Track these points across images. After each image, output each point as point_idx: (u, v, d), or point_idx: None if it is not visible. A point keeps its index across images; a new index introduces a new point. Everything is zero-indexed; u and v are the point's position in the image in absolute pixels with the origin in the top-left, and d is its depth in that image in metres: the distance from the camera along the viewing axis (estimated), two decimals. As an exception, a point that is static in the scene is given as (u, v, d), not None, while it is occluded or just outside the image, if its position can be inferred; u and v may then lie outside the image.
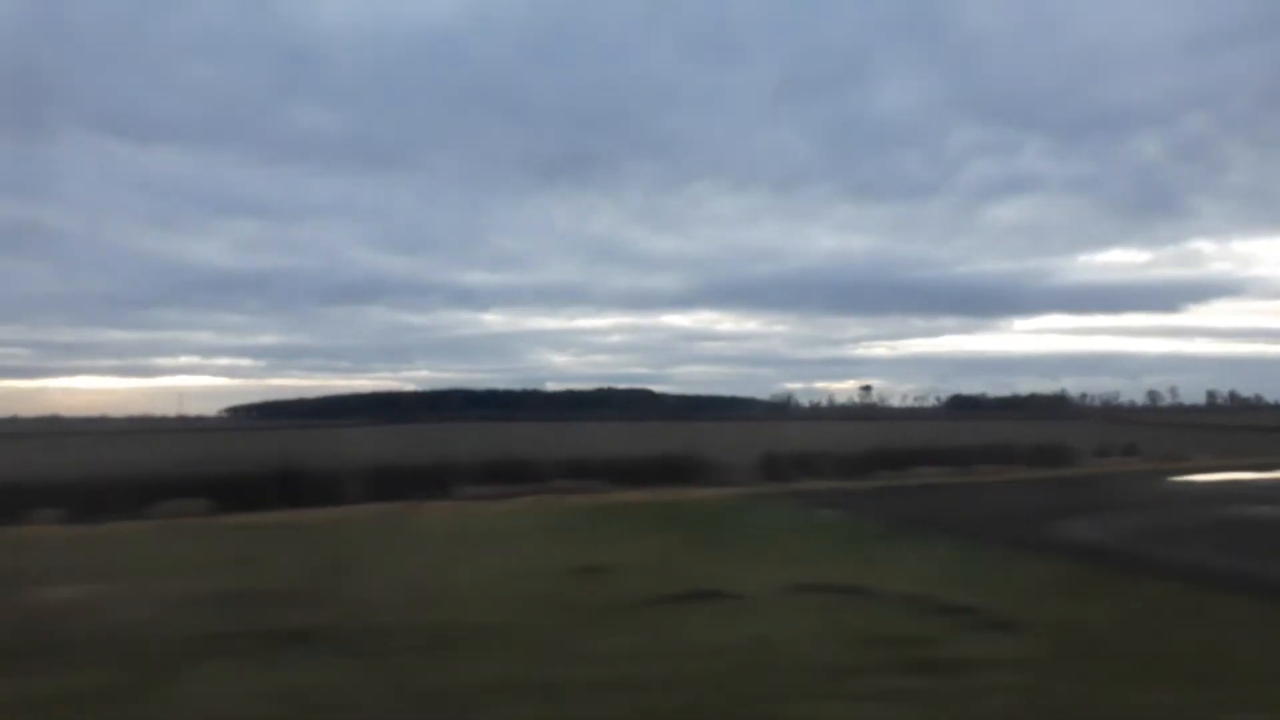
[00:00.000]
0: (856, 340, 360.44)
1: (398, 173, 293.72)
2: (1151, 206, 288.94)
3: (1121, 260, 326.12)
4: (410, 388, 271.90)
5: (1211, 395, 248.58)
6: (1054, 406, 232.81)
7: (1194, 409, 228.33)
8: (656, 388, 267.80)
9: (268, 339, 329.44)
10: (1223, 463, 43.70)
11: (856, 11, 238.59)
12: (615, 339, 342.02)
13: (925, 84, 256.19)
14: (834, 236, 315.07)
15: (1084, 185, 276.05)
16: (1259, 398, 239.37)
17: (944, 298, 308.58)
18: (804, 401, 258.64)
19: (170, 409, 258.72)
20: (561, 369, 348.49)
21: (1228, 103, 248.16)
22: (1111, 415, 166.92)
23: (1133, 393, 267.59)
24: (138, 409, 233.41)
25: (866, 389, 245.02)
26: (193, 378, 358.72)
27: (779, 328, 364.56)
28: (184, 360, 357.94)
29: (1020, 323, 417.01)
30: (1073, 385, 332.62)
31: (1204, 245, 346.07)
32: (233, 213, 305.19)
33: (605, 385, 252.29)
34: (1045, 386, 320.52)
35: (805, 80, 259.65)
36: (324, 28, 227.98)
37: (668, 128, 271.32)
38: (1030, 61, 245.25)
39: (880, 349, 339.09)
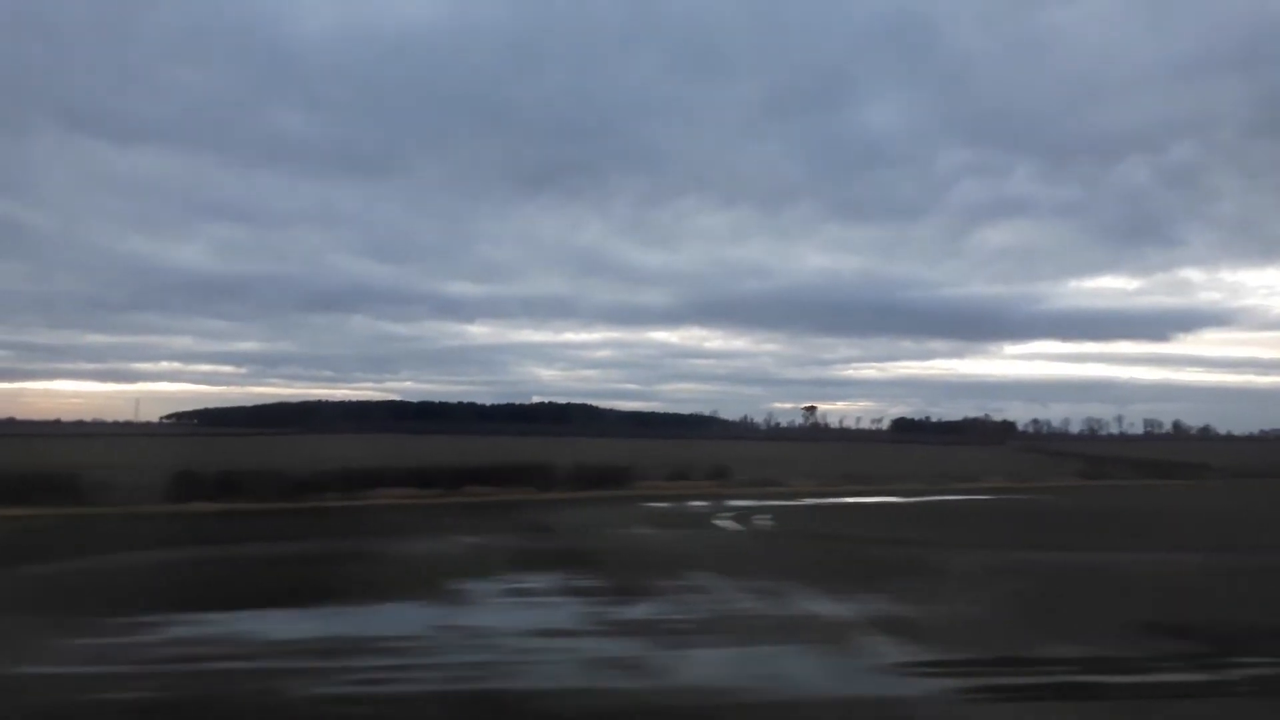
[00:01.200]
0: (846, 361, 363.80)
1: (380, 180, 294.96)
2: (1141, 234, 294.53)
3: (1112, 287, 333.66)
4: (380, 398, 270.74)
5: (1178, 425, 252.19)
6: (1000, 432, 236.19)
7: (1121, 437, 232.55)
8: (644, 405, 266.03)
9: (249, 345, 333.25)
10: (799, 488, 48.28)
11: (843, 31, 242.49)
12: (603, 354, 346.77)
13: (913, 105, 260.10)
14: (823, 255, 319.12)
15: (1073, 210, 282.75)
16: (1208, 429, 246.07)
17: (934, 320, 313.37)
18: (760, 422, 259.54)
19: (137, 415, 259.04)
20: (549, 383, 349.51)
21: (1215, 132, 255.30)
22: (1031, 443, 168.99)
23: (1122, 420, 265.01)
24: (119, 414, 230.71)
25: (811, 410, 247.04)
26: (173, 385, 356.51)
27: (768, 346, 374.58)
28: (164, 366, 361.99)
29: (1010, 348, 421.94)
30: (1062, 412, 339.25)
31: (1193, 274, 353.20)
32: (213, 216, 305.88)
33: (594, 401, 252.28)
34: (1035, 412, 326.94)
35: (791, 98, 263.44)
36: (304, 33, 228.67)
37: (653, 141, 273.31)
38: (1019, 85, 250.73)
39: (870, 370, 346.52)
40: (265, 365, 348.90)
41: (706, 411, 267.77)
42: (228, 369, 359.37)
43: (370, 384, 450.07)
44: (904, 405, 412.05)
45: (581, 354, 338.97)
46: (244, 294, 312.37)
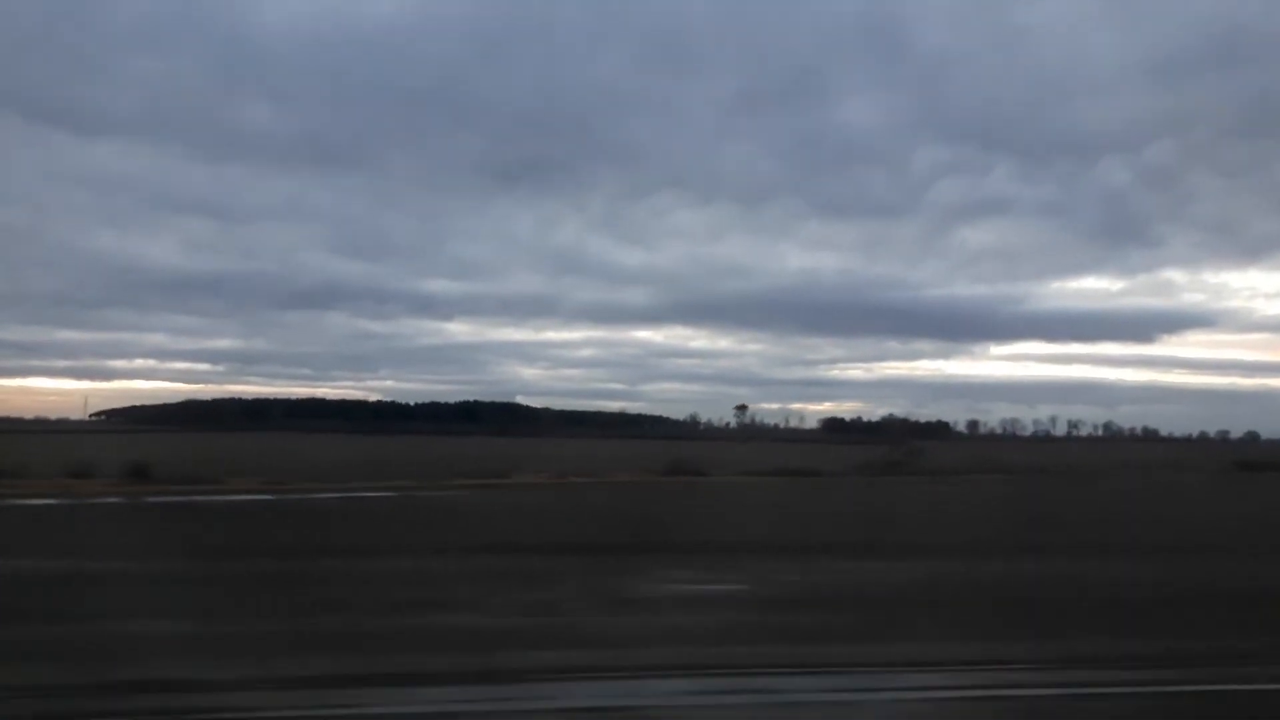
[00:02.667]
0: (832, 361, 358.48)
1: (348, 174, 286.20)
2: (1122, 234, 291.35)
3: (1095, 288, 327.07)
4: (326, 395, 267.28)
5: (1108, 427, 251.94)
6: (931, 432, 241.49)
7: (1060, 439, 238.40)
8: (630, 405, 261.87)
9: (224, 343, 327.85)
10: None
11: (815, 27, 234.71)
12: (586, 353, 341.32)
13: (888, 102, 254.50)
14: (803, 254, 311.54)
15: (1053, 210, 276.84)
16: (1152, 430, 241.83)
17: (919, 320, 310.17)
18: (713, 420, 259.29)
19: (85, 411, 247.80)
20: (532, 382, 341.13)
21: (1193, 132, 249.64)
22: (947, 444, 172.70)
23: (1108, 425, 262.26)
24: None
25: (742, 408, 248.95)
26: (148, 382, 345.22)
27: (752, 346, 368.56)
28: (139, 364, 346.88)
29: (996, 348, 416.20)
30: (1049, 413, 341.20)
31: (1176, 275, 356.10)
32: (181, 211, 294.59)
33: (578, 400, 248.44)
34: (1021, 413, 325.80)
35: (764, 93, 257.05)
36: (266, 23, 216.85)
37: (626, 136, 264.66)
38: (994, 83, 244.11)
39: (856, 371, 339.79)
40: (243, 363, 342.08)
41: (685, 414, 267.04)
42: (204, 367, 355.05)
43: (351, 382, 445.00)
44: (892, 406, 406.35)
45: (563, 353, 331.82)
46: (217, 291, 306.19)
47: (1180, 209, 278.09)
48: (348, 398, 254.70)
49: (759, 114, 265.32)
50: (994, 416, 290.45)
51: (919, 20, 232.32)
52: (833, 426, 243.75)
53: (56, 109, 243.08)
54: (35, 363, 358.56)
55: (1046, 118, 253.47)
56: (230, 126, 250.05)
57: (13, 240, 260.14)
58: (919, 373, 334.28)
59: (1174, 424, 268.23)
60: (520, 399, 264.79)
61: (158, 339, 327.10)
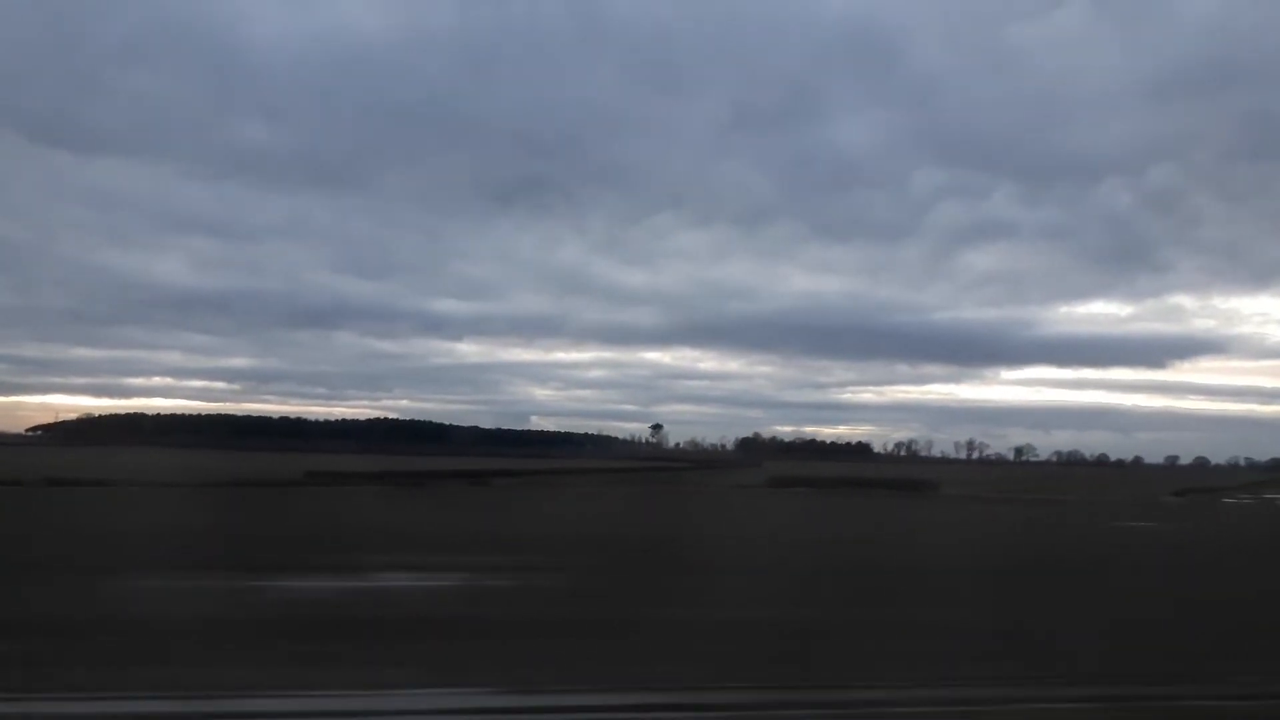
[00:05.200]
0: (843, 385, 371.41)
1: (346, 193, 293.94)
2: (1128, 259, 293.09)
3: (1104, 313, 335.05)
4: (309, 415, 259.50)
5: (1061, 454, 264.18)
6: (853, 452, 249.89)
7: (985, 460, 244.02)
8: (640, 426, 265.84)
9: (238, 362, 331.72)
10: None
11: (808, 46, 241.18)
12: (596, 374, 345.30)
13: (884, 122, 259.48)
14: (807, 277, 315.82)
15: (1057, 234, 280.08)
16: (1103, 456, 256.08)
17: (927, 344, 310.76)
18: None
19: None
20: (544, 403, 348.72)
21: (1194, 155, 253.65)
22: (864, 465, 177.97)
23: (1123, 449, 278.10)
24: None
25: (657, 428, 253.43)
26: (167, 400, 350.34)
27: (762, 369, 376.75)
28: (157, 381, 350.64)
29: (1007, 373, 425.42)
30: (1065, 439, 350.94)
31: (1185, 301, 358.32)
32: (185, 229, 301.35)
33: (584, 420, 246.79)
34: (1036, 439, 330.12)
35: (759, 114, 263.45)
36: (256, 39, 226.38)
37: (620, 156, 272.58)
38: (991, 105, 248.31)
39: (868, 394, 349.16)
40: (258, 381, 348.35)
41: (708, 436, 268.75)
42: (220, 385, 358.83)
43: (366, 402, 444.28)
44: (905, 430, 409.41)
45: (574, 374, 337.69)
46: (227, 309, 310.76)
47: (1185, 233, 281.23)
48: (360, 416, 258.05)
49: (755, 134, 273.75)
50: (1006, 443, 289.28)
51: (913, 40, 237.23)
52: (747, 447, 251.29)
53: (56, 128, 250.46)
54: (54, 379, 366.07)
55: (1045, 139, 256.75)
56: (226, 145, 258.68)
57: (22, 257, 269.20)
58: (930, 397, 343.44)
59: (1192, 450, 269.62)
60: (535, 419, 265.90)
61: (174, 357, 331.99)
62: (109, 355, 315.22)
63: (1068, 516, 57.62)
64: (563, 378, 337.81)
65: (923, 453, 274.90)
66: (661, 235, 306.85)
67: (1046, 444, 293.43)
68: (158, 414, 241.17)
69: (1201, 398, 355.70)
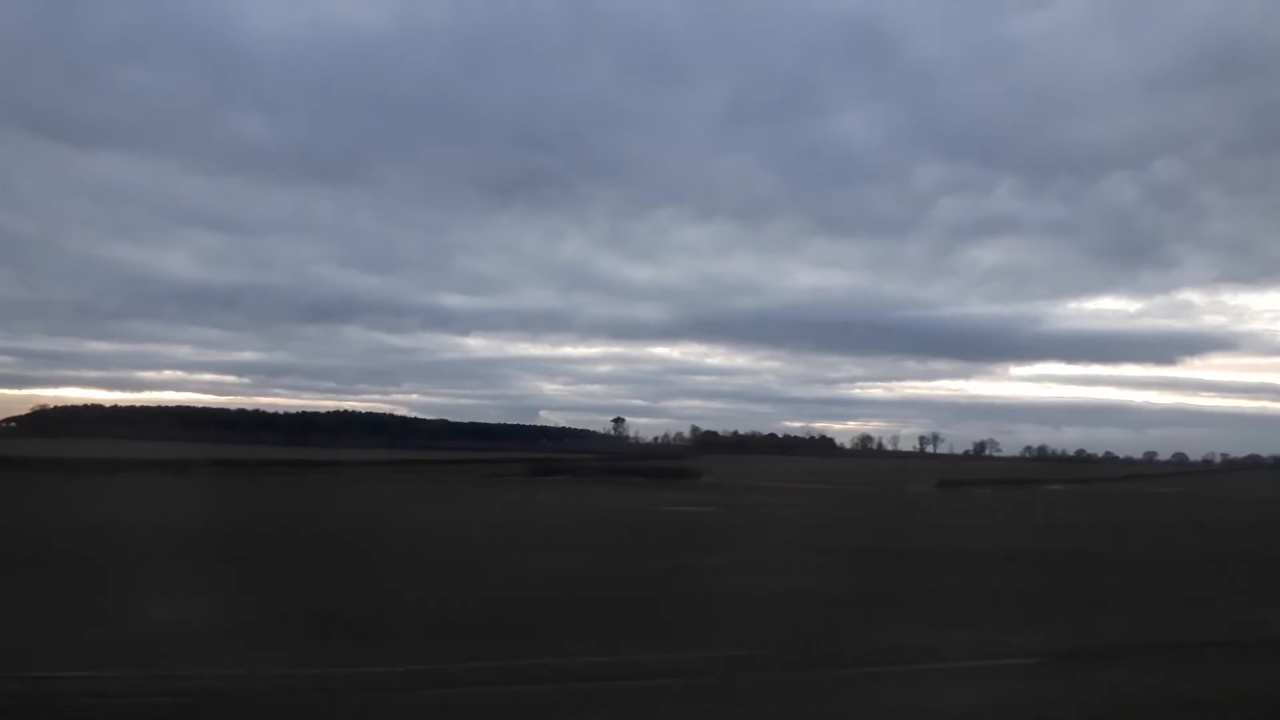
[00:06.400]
0: (851, 380, 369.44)
1: (347, 187, 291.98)
2: (1133, 254, 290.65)
3: (1112, 309, 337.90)
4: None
5: (1031, 449, 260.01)
6: (815, 447, 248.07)
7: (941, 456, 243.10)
8: (653, 421, 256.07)
9: (248, 356, 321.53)
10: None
11: (807, 38, 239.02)
12: (604, 369, 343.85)
13: (884, 116, 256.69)
14: (812, 272, 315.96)
15: (1062, 229, 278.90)
16: (1062, 451, 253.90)
17: (935, 340, 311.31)
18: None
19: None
20: (554, 398, 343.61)
21: (1198, 149, 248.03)
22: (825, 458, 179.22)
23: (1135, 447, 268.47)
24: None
25: (619, 421, 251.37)
26: (179, 394, 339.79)
27: (769, 364, 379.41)
28: (168, 375, 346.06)
29: (1016, 369, 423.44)
30: (1076, 436, 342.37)
31: (1193, 296, 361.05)
32: (190, 223, 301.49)
33: (594, 416, 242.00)
34: (1047, 436, 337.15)
35: (758, 107, 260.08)
36: (253, 33, 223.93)
37: (619, 150, 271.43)
38: (991, 97, 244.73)
39: (878, 390, 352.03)
40: (267, 375, 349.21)
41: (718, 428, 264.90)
42: (230, 379, 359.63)
43: (377, 396, 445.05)
44: (916, 426, 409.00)
45: (582, 368, 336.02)
46: (235, 304, 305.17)
47: (1191, 228, 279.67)
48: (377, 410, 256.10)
49: (754, 128, 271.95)
50: (1018, 439, 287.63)
51: (913, 32, 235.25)
52: (706, 442, 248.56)
53: (55, 121, 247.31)
54: (67, 373, 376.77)
55: (1047, 133, 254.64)
56: (226, 139, 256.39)
57: (28, 250, 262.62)
58: (940, 392, 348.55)
59: (1202, 448, 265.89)
60: (544, 414, 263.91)
61: (183, 351, 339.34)
62: (120, 349, 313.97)
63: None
64: (571, 372, 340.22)
65: (930, 449, 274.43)
66: (664, 230, 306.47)
67: (1058, 441, 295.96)
68: (115, 405, 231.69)
69: (1214, 395, 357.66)
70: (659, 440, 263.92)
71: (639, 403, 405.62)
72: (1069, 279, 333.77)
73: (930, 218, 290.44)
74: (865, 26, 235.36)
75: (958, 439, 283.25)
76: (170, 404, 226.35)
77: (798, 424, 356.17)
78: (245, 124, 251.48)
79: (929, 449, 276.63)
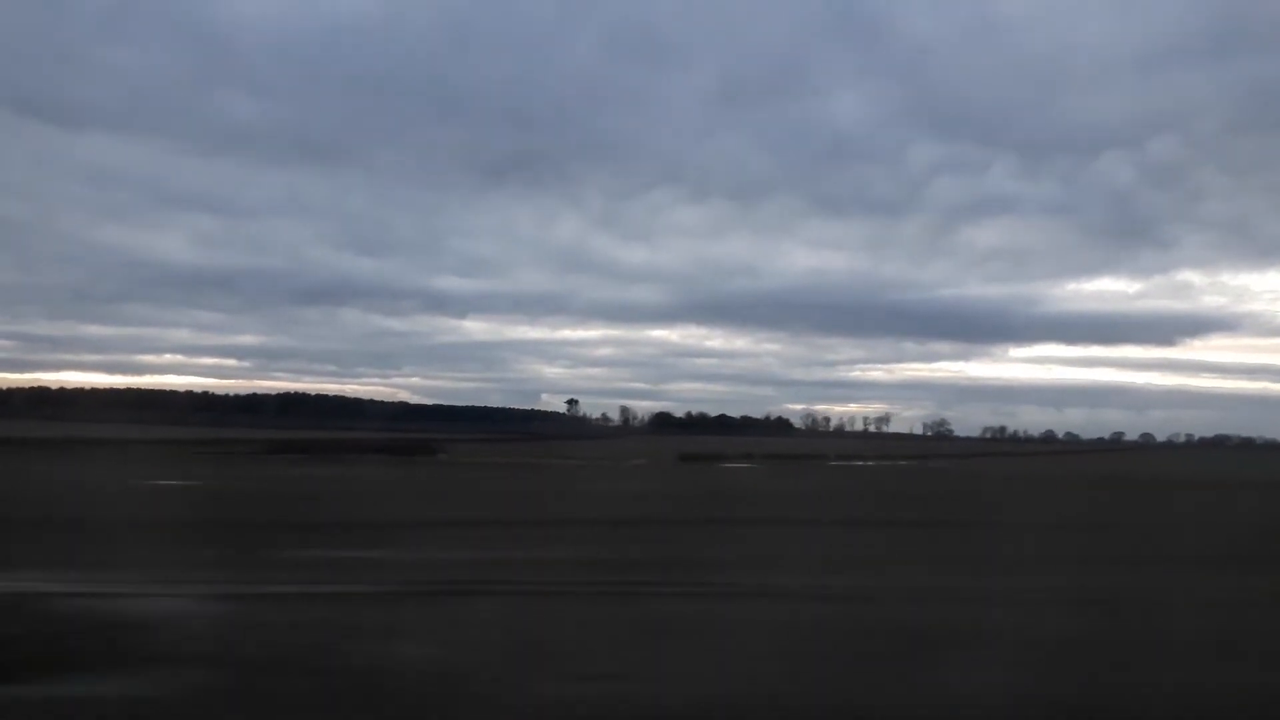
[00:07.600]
0: (851, 362, 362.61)
1: (340, 169, 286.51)
2: (1132, 234, 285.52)
3: (1111, 290, 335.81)
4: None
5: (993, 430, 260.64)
6: (773, 428, 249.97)
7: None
8: (655, 404, 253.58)
9: (248, 339, 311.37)
10: None
11: (794, 15, 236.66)
12: (604, 352, 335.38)
13: (878, 94, 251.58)
14: (809, 254, 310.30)
15: (1059, 209, 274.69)
16: (1024, 433, 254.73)
17: (934, 321, 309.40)
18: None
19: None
20: (554, 381, 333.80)
21: (1196, 127, 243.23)
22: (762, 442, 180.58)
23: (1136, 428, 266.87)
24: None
25: (573, 402, 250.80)
26: (180, 377, 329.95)
27: (769, 346, 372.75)
28: (168, 359, 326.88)
29: (1016, 350, 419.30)
30: (1078, 418, 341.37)
31: (1193, 277, 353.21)
32: (183, 206, 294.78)
33: (596, 399, 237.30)
34: (1048, 418, 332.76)
35: (751, 86, 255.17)
36: (241, 13, 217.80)
37: (611, 130, 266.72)
38: (985, 75, 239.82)
39: (877, 372, 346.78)
40: (267, 359, 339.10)
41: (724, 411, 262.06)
42: (231, 363, 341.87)
43: (377, 380, 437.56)
44: (917, 409, 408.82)
45: (581, 351, 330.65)
46: (231, 287, 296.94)
47: (1190, 208, 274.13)
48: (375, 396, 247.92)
49: (747, 107, 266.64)
50: (1019, 421, 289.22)
51: (905, 10, 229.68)
52: (661, 422, 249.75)
53: (44, 103, 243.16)
54: (67, 356, 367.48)
55: (1043, 111, 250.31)
56: (216, 120, 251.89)
57: (21, 234, 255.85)
58: (940, 375, 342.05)
59: (1206, 429, 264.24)
60: (545, 398, 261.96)
61: (182, 335, 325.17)
62: (118, 333, 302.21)
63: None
64: (571, 355, 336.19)
65: (936, 433, 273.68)
66: (658, 211, 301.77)
67: (1060, 423, 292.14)
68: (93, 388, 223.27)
69: (1214, 376, 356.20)
70: (606, 421, 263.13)
71: (640, 385, 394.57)
72: (1067, 260, 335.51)
73: (927, 198, 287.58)
74: (859, 3, 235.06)
75: (965, 422, 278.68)
76: (170, 388, 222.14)
77: (799, 406, 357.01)
78: (236, 105, 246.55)
79: (927, 434, 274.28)
